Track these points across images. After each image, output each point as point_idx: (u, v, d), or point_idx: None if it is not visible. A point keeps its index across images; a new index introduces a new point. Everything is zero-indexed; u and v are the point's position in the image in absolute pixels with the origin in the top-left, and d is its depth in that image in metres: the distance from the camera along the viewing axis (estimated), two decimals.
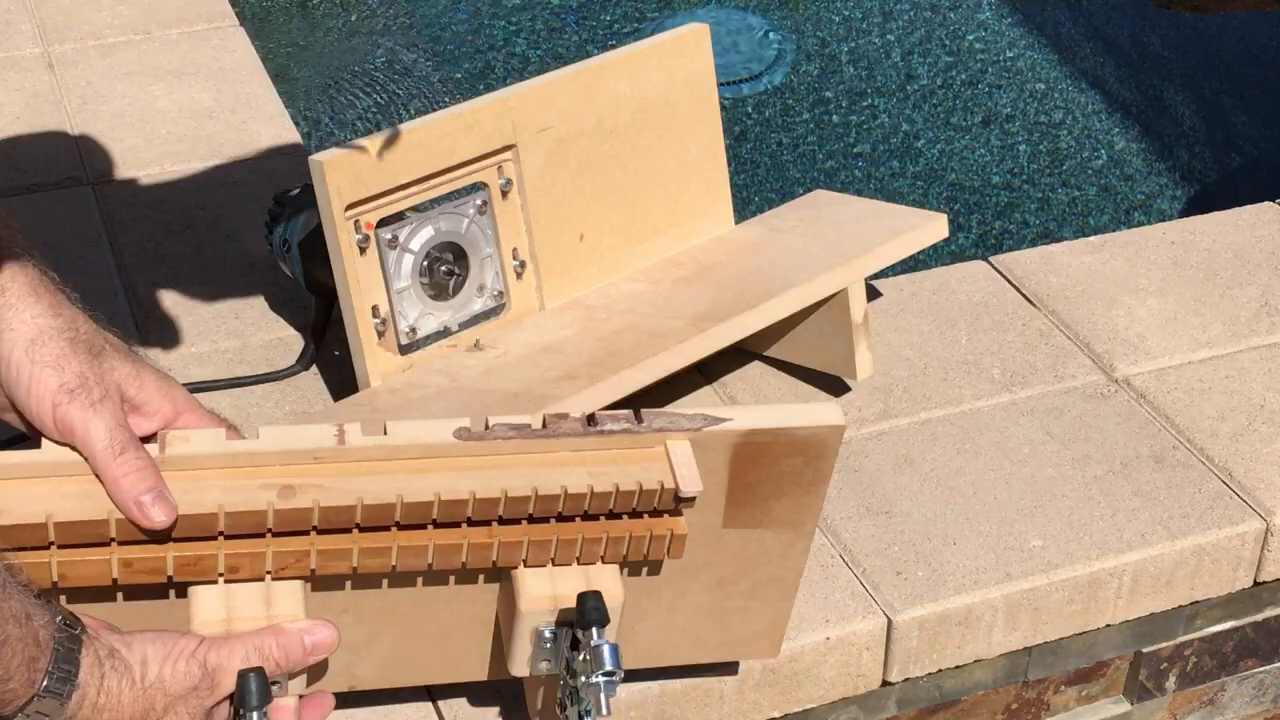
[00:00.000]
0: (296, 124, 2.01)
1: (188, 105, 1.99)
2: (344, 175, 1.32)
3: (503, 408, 1.32)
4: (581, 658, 1.03)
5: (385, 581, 1.05)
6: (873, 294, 1.67)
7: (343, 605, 1.04)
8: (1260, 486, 1.48)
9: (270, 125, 1.96)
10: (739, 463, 1.08)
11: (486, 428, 1.01)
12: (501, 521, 1.03)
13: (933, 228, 1.58)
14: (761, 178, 2.88)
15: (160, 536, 0.96)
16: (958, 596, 1.35)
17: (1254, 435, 1.54)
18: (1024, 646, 1.41)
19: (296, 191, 1.50)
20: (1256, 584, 1.49)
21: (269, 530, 0.98)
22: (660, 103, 1.51)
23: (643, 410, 1.05)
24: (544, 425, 1.02)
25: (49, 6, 2.18)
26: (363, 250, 1.34)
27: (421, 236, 1.38)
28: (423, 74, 3.18)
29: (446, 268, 1.40)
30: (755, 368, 1.59)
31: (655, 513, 1.06)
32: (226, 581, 0.98)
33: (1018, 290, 1.73)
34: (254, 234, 1.66)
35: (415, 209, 1.38)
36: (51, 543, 0.94)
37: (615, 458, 1.04)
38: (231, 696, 0.96)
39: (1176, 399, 1.58)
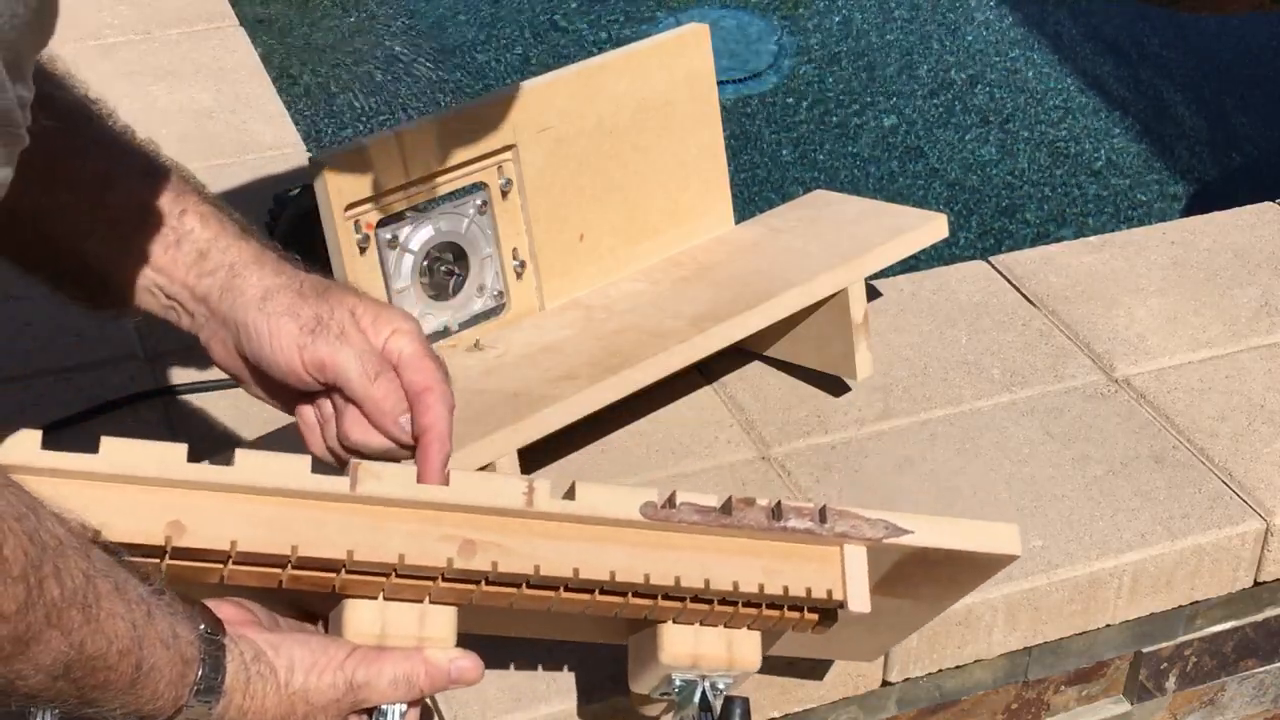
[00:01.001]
0: (296, 124, 2.01)
1: (188, 105, 1.99)
2: (344, 175, 1.32)
3: (503, 408, 1.32)
4: None
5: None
6: (873, 294, 1.67)
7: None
8: (1260, 486, 1.48)
9: (270, 125, 1.96)
10: (907, 562, 1.08)
11: (673, 505, 1.00)
12: (666, 597, 1.03)
13: (933, 228, 1.58)
14: (761, 178, 2.88)
15: (334, 568, 0.95)
16: None
17: (1254, 435, 1.54)
18: (1024, 646, 1.41)
19: (296, 191, 1.50)
20: (1256, 584, 1.49)
21: (441, 576, 0.97)
22: (660, 103, 1.51)
23: (828, 509, 1.04)
24: (729, 511, 1.02)
25: None
26: (363, 250, 1.34)
27: (421, 236, 1.38)
28: (423, 74, 3.18)
29: (446, 268, 1.40)
30: (755, 368, 1.59)
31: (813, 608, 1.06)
32: (385, 599, 0.97)
33: (1018, 290, 1.73)
34: None
35: (415, 209, 1.38)
36: (228, 559, 0.93)
37: (790, 552, 1.04)
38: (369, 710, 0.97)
39: (1176, 399, 1.58)
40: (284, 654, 0.94)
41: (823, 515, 1.03)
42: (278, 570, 0.94)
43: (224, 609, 0.93)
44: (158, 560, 0.91)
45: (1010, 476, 1.47)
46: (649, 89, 1.50)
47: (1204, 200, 2.81)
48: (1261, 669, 1.59)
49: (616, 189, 1.50)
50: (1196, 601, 1.47)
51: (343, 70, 3.15)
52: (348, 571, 0.94)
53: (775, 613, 1.04)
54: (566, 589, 0.99)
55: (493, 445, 1.28)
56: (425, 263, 1.39)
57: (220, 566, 0.93)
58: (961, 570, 1.09)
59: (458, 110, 1.39)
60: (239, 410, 1.49)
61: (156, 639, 0.86)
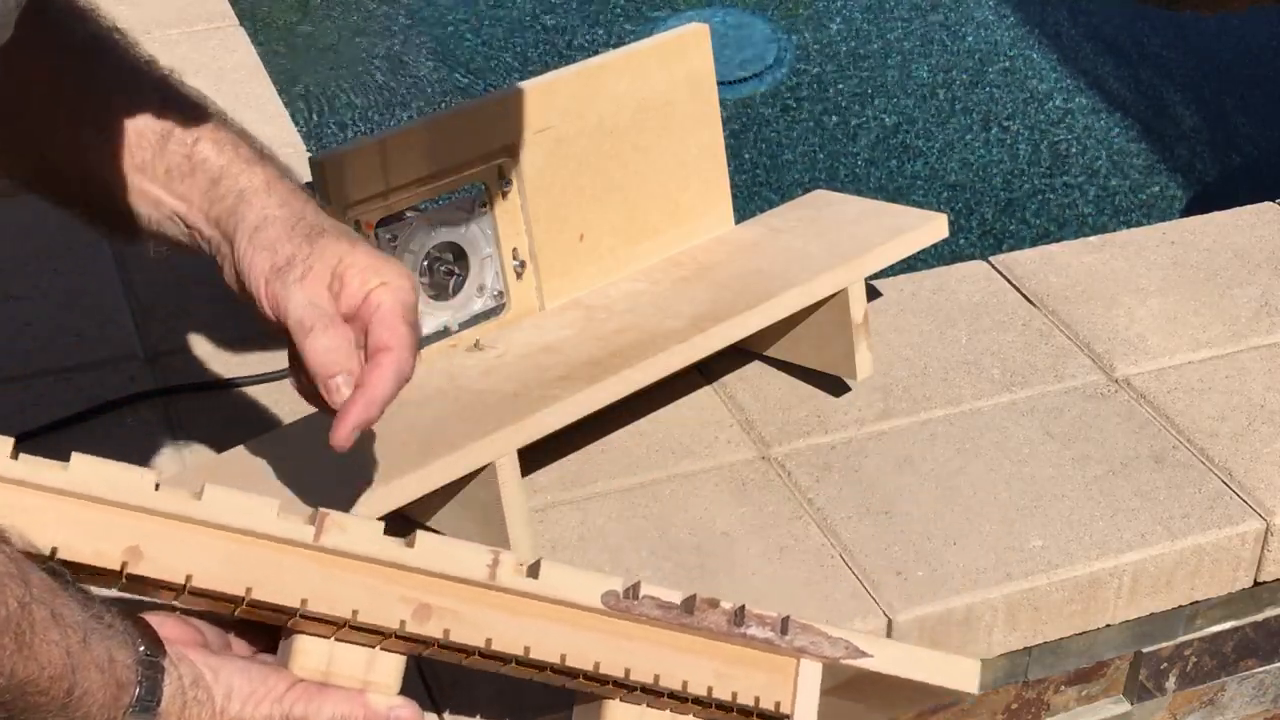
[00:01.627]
0: (296, 124, 2.01)
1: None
2: (344, 175, 1.32)
3: (502, 408, 1.32)
4: None
5: None
6: (873, 294, 1.67)
7: None
8: (1260, 486, 1.48)
9: (270, 125, 1.96)
10: (862, 680, 1.07)
11: (635, 596, 1.00)
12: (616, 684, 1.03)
13: (933, 228, 1.58)
14: (761, 178, 2.88)
15: (286, 614, 0.94)
16: (958, 596, 1.35)
17: (1254, 435, 1.54)
18: (1024, 646, 1.41)
19: None
20: (1256, 584, 1.49)
21: (393, 634, 0.97)
22: (660, 103, 1.51)
23: (790, 621, 1.03)
24: (691, 610, 1.01)
25: None
26: None
27: (421, 236, 1.38)
28: (423, 74, 3.18)
29: (446, 268, 1.40)
30: (755, 368, 1.59)
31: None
32: (335, 640, 0.97)
33: (1018, 290, 1.73)
34: None
35: (415, 209, 1.38)
36: (182, 590, 0.93)
37: (746, 659, 1.03)
38: None
39: (1176, 399, 1.58)
40: (223, 680, 0.93)
41: (784, 627, 1.03)
42: (230, 605, 0.93)
43: (168, 626, 0.93)
44: (111, 582, 0.90)
45: (1010, 476, 1.47)
46: (649, 89, 1.50)
47: (1204, 200, 2.81)
48: (1261, 669, 1.59)
49: (616, 189, 1.50)
50: (1196, 601, 1.47)
51: (343, 70, 3.15)
52: (301, 616, 0.94)
53: (721, 714, 1.04)
54: (517, 663, 0.99)
55: (493, 445, 1.28)
56: (425, 263, 1.39)
57: (174, 595, 0.92)
58: (916, 693, 1.09)
59: (458, 110, 1.39)
60: (239, 410, 1.49)
61: (91, 663, 0.86)
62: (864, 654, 1.04)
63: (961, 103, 3.13)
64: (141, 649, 0.90)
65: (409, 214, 1.37)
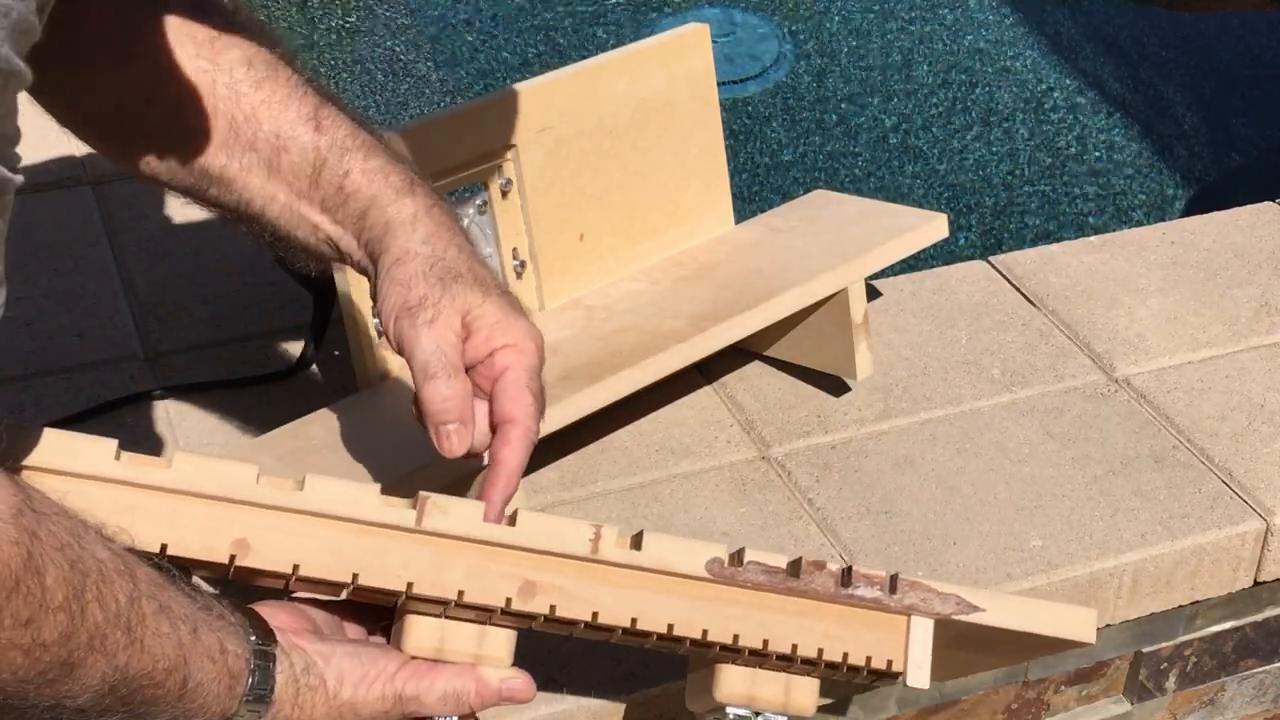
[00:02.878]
0: None
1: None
2: None
3: None
4: None
5: None
6: (873, 294, 1.67)
7: None
8: (1260, 486, 1.48)
9: None
10: (975, 634, 1.06)
11: (740, 563, 1.00)
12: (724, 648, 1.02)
13: (933, 228, 1.58)
14: (761, 178, 2.88)
15: (392, 598, 0.95)
16: None
17: (1254, 435, 1.54)
18: None
19: None
20: (1256, 584, 1.49)
21: (499, 609, 0.97)
22: (660, 103, 1.51)
23: (899, 579, 1.03)
24: (797, 574, 1.01)
25: None
26: None
27: None
28: (423, 74, 3.18)
29: None
30: (755, 367, 1.59)
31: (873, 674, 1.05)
32: (446, 618, 0.97)
33: (1018, 290, 1.73)
34: None
35: None
36: (289, 579, 0.94)
37: (855, 619, 1.02)
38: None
39: (1176, 399, 1.58)
40: (334, 665, 0.94)
41: (893, 585, 1.02)
42: (338, 590, 0.95)
43: (280, 615, 0.94)
44: (221, 574, 0.92)
45: (1010, 476, 1.47)
46: (649, 89, 1.50)
47: (1204, 200, 2.81)
48: (1261, 669, 1.59)
49: (616, 189, 1.50)
50: (1196, 601, 1.47)
51: (343, 70, 3.15)
52: (408, 599, 0.95)
53: (833, 672, 1.03)
54: (624, 632, 0.99)
55: None
56: None
57: (283, 583, 0.94)
58: (1031, 644, 1.07)
59: (458, 110, 1.39)
60: (239, 410, 1.49)
61: (203, 654, 0.88)
62: (976, 608, 1.03)
63: (961, 103, 3.13)
64: (253, 639, 0.91)
65: None
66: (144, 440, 1.46)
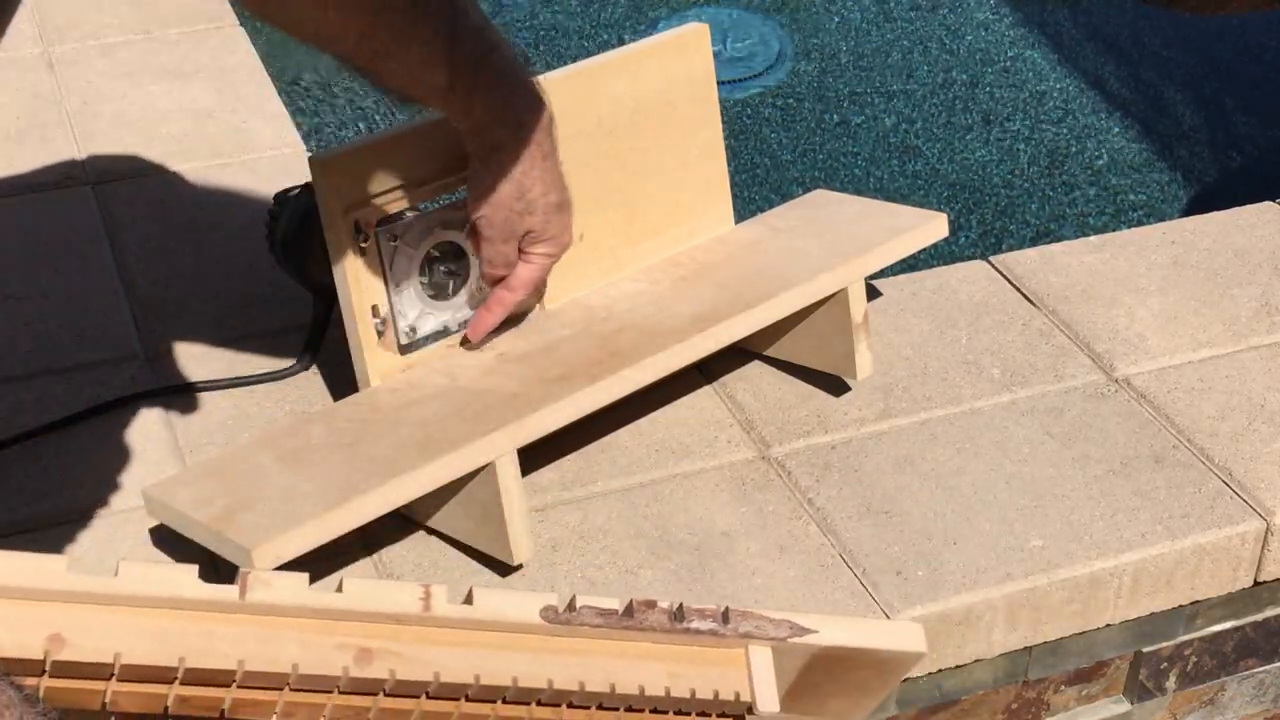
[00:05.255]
0: (296, 124, 2.01)
1: (188, 105, 1.99)
2: (344, 175, 1.32)
3: (502, 407, 1.32)
4: None
5: None
6: (873, 294, 1.67)
7: None
8: (1260, 486, 1.48)
9: (270, 125, 1.96)
10: (813, 667, 1.07)
11: (573, 609, 0.99)
12: (571, 706, 1.01)
13: (933, 227, 1.58)
14: (761, 178, 2.88)
15: (224, 681, 0.92)
16: (958, 596, 1.35)
17: (1254, 435, 1.54)
18: (1024, 646, 1.41)
19: (297, 191, 1.50)
20: (1256, 584, 1.49)
21: (336, 688, 0.95)
22: (660, 103, 1.51)
23: (730, 610, 1.03)
24: (631, 614, 1.01)
25: (49, 6, 2.18)
26: (363, 250, 1.34)
27: (421, 236, 1.38)
28: None
29: (446, 268, 1.40)
30: (755, 367, 1.59)
31: (724, 714, 1.05)
32: None
33: (1018, 290, 1.73)
34: (254, 234, 1.66)
35: (415, 209, 1.38)
36: (111, 675, 0.90)
37: (696, 656, 1.03)
38: None
39: (1176, 399, 1.58)
40: None
41: (725, 616, 1.02)
42: (164, 688, 0.91)
43: None
44: (37, 677, 0.87)
45: (1010, 476, 1.47)
46: (649, 89, 1.50)
47: (1204, 200, 2.81)
48: (1261, 669, 1.59)
49: (616, 189, 1.50)
50: (1196, 601, 1.47)
51: (343, 70, 3.15)
52: (239, 686, 0.92)
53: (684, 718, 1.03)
54: (468, 699, 0.97)
55: (493, 445, 1.29)
56: (425, 263, 1.39)
57: (103, 686, 0.90)
58: (869, 674, 1.09)
59: None
60: (239, 410, 1.49)
61: None
62: (808, 630, 1.04)
63: (961, 103, 3.13)
64: None
65: (409, 214, 1.37)
66: (144, 440, 1.46)
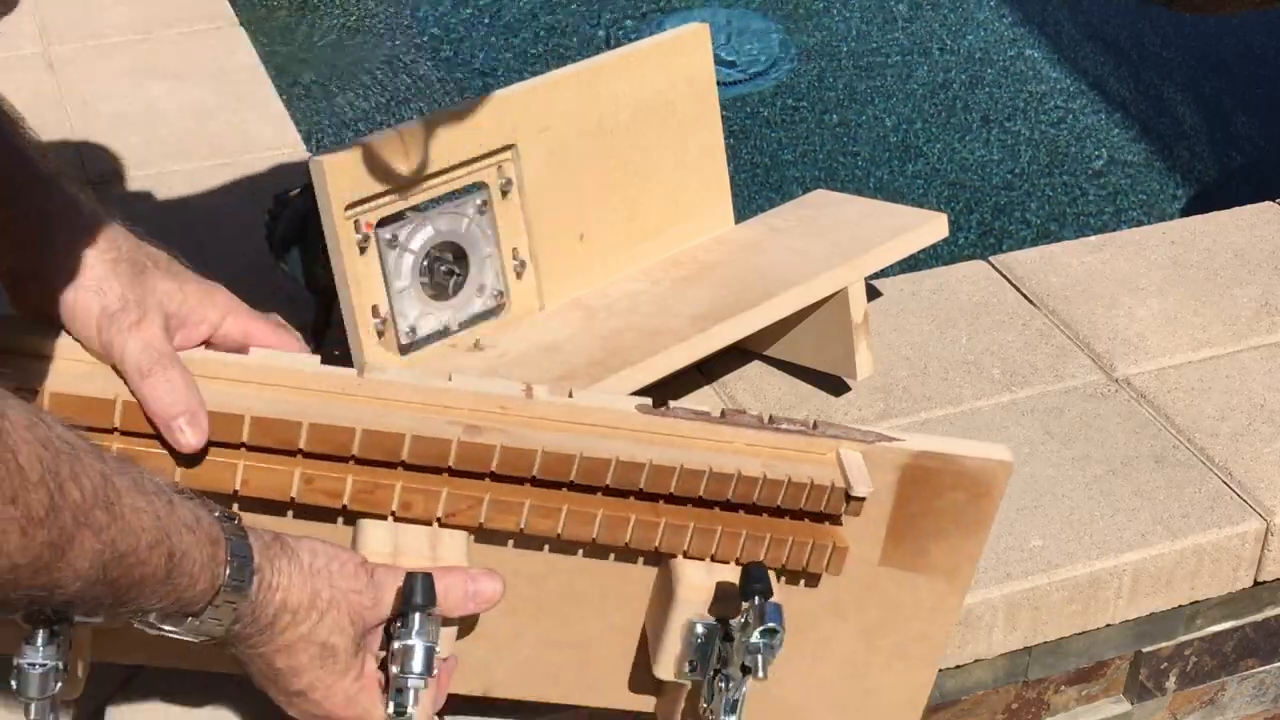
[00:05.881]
0: (296, 124, 2.01)
1: (188, 105, 1.99)
2: (344, 175, 1.32)
3: None
4: (741, 620, 1.00)
5: (540, 570, 1.05)
6: (873, 294, 1.67)
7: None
8: (1260, 486, 1.48)
9: (270, 125, 1.96)
10: (905, 488, 1.08)
11: (667, 407, 1.04)
12: (670, 500, 1.03)
13: (933, 227, 1.58)
14: (761, 178, 2.88)
15: (342, 454, 0.97)
16: None
17: (1254, 435, 1.54)
18: (1024, 646, 1.41)
19: (296, 191, 1.50)
20: (1256, 584, 1.49)
21: (448, 469, 0.99)
22: (660, 103, 1.51)
23: (819, 421, 1.08)
24: (723, 415, 1.05)
25: (49, 6, 2.18)
26: (363, 250, 1.34)
27: (421, 236, 1.38)
28: (423, 74, 3.18)
29: (446, 268, 1.40)
30: (755, 367, 1.59)
31: (820, 518, 1.06)
32: (396, 520, 0.99)
33: (1018, 290, 1.73)
34: (254, 234, 1.66)
35: (415, 209, 1.38)
36: (242, 444, 0.96)
37: (788, 455, 1.05)
38: (389, 623, 0.97)
39: (1176, 399, 1.58)
40: (303, 542, 0.95)
41: (814, 425, 1.07)
42: (289, 465, 0.96)
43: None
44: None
45: (1010, 476, 1.47)
46: (649, 89, 1.50)
47: (1204, 200, 2.81)
48: (1261, 669, 1.59)
49: (616, 189, 1.50)
50: (1196, 601, 1.47)
51: (343, 70, 3.15)
52: (357, 462, 0.97)
53: (784, 529, 1.04)
54: (571, 487, 1.01)
55: None
56: (425, 263, 1.39)
57: (235, 460, 0.95)
58: (961, 498, 1.10)
59: (457, 109, 1.38)
60: None
61: (181, 525, 0.87)
62: (894, 439, 1.08)
63: (961, 103, 3.13)
64: (218, 513, 0.91)
65: (409, 214, 1.37)
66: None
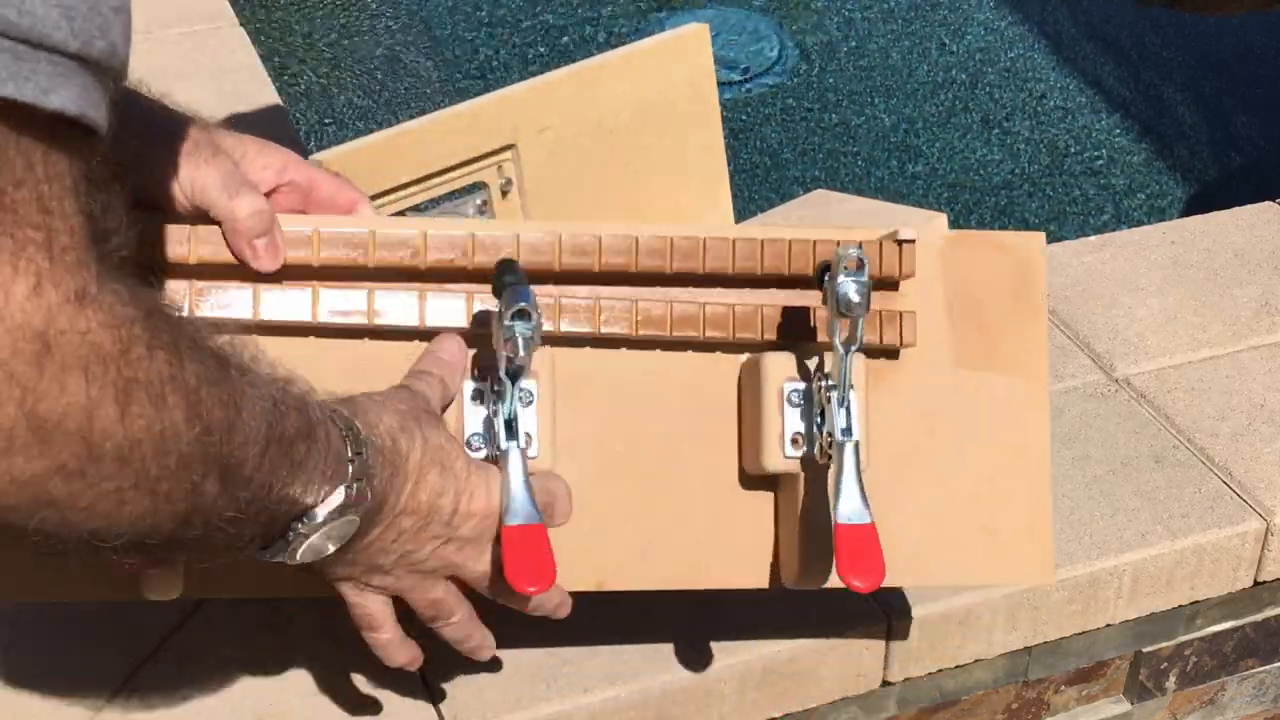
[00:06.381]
0: (296, 124, 2.01)
1: (188, 105, 1.98)
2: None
3: None
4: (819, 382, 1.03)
5: (627, 417, 1.06)
6: None
7: (580, 466, 1.05)
8: (1260, 486, 1.48)
9: (270, 125, 1.96)
10: (950, 272, 1.09)
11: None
12: (726, 284, 1.05)
13: (932, 228, 1.58)
14: (761, 178, 2.88)
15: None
16: (958, 596, 1.35)
17: (1254, 435, 1.54)
18: (1024, 646, 1.41)
19: None
20: (1256, 584, 1.49)
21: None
22: (660, 102, 1.51)
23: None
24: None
25: None
26: None
27: None
28: (423, 74, 3.18)
29: None
30: None
31: (880, 285, 1.07)
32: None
33: None
34: None
35: (415, 209, 1.38)
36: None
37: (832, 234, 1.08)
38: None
39: (1176, 399, 1.58)
40: (355, 399, 0.96)
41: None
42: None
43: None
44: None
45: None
46: (649, 89, 1.50)
47: (1204, 200, 2.81)
48: (1261, 669, 1.59)
49: (616, 189, 1.50)
50: (1196, 601, 1.47)
51: (343, 70, 3.15)
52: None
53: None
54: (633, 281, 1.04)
55: None
56: None
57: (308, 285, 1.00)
58: (1005, 277, 1.12)
59: (458, 110, 1.39)
60: None
61: (309, 397, 0.89)
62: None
63: (961, 103, 3.13)
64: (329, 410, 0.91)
65: (409, 213, 1.37)
66: None
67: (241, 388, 0.81)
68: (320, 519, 0.87)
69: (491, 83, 3.09)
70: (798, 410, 1.04)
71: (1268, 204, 1.90)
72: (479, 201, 1.41)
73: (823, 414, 1.03)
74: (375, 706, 1.20)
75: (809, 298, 1.07)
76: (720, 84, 1.56)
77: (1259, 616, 1.53)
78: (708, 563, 1.09)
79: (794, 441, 1.05)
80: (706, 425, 1.08)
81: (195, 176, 1.00)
